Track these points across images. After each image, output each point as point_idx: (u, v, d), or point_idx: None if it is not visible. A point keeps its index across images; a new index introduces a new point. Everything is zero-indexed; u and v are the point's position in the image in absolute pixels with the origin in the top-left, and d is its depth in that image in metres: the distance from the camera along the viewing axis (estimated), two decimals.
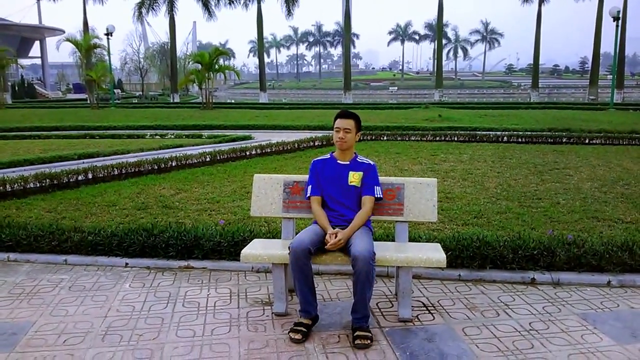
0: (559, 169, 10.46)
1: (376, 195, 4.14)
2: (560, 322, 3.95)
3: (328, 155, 4.30)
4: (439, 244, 4.43)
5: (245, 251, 4.03)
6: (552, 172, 10.09)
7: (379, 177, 4.24)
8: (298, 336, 3.65)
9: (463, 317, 4.04)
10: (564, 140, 15.26)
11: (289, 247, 3.78)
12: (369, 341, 3.60)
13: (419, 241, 4.95)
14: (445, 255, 3.93)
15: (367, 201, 4.11)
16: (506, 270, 4.81)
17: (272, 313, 4.10)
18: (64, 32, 65.85)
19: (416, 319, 3.99)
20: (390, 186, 4.32)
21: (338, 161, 4.21)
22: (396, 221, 4.36)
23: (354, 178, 4.14)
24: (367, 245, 3.72)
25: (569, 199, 7.72)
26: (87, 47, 41.18)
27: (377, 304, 4.25)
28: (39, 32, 74.78)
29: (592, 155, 12.34)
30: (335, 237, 3.82)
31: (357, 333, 3.64)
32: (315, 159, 4.32)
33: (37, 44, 76.47)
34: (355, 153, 4.27)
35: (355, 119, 4.17)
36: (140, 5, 48.67)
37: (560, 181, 9.19)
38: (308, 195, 4.23)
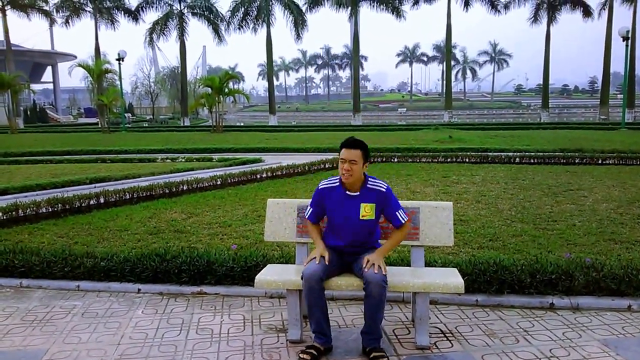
0: (573, 190, 10.34)
1: (403, 222, 3.98)
2: (581, 348, 3.86)
3: (336, 182, 3.98)
4: (455, 269, 4.36)
5: (260, 277, 3.99)
6: (566, 194, 9.98)
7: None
8: (307, 357, 3.61)
9: (482, 344, 3.96)
10: (576, 160, 15.07)
11: (301, 277, 3.74)
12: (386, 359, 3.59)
13: (435, 265, 4.88)
14: (462, 281, 3.87)
15: (399, 231, 4.02)
16: (524, 295, 4.72)
17: (287, 340, 4.03)
18: (75, 57, 66.95)
19: (434, 346, 3.91)
20: (405, 210, 4.26)
21: (347, 192, 3.92)
22: (412, 246, 4.30)
23: (366, 211, 3.89)
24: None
25: (585, 221, 7.62)
26: (98, 72, 41.73)
27: (393, 331, 4.18)
28: (51, 58, 75.87)
29: (606, 176, 12.21)
30: (372, 264, 3.73)
31: (373, 354, 3.62)
32: (322, 187, 4.04)
33: (49, 69, 77.60)
34: (364, 175, 3.94)
35: (362, 149, 3.86)
36: (151, 31, 49.37)
37: (575, 202, 9.08)
38: (307, 216, 4.14)
